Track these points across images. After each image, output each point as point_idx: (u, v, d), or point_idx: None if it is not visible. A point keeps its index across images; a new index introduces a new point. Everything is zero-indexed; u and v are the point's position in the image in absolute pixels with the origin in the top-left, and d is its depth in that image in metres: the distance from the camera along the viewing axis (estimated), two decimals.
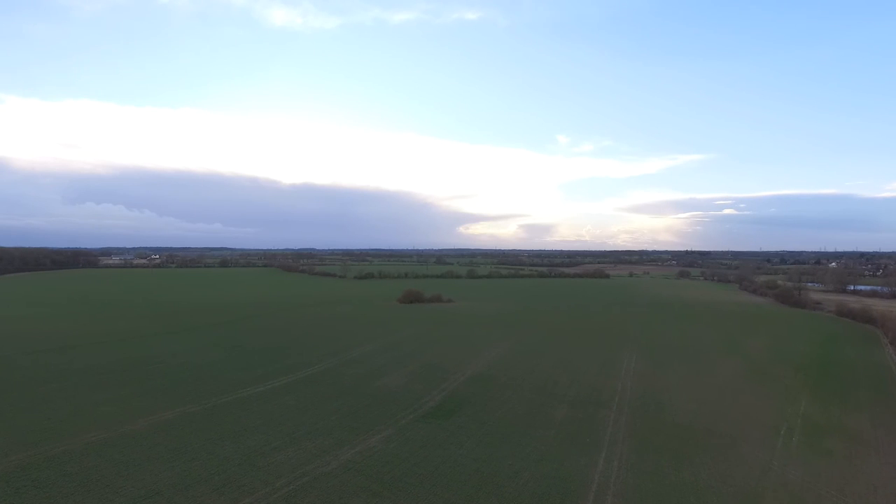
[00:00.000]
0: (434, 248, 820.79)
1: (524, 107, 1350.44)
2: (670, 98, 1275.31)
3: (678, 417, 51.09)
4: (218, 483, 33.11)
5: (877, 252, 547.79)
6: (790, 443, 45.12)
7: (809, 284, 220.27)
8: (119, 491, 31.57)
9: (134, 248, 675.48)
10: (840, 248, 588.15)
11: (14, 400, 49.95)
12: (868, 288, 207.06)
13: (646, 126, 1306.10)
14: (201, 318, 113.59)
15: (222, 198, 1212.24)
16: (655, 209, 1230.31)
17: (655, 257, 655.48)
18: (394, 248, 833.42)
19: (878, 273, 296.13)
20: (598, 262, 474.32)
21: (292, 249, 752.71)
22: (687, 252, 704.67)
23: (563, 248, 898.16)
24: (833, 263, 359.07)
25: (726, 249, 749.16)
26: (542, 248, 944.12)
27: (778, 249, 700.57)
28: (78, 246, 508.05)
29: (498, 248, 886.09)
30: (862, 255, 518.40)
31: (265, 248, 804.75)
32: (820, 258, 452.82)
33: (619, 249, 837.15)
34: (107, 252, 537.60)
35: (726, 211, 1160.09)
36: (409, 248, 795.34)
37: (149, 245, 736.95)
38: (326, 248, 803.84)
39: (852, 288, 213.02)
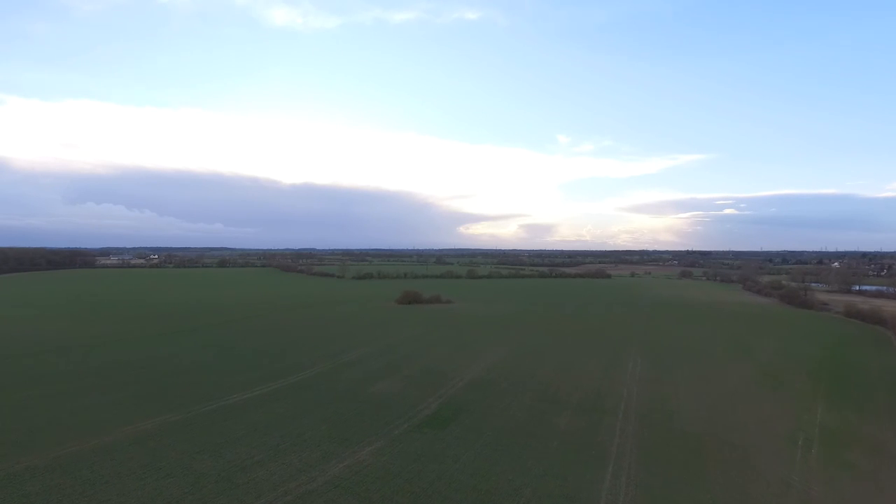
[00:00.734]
0: (434, 248, 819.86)
1: (524, 107, 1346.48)
2: (670, 98, 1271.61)
3: (687, 426, 48.33)
4: None
5: (878, 252, 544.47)
6: (809, 455, 42.36)
7: (813, 285, 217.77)
8: None
9: (134, 249, 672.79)
10: (841, 248, 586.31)
11: None
12: (873, 288, 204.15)
13: (646, 126, 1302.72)
14: (194, 319, 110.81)
15: (223, 198, 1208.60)
16: (656, 209, 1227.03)
17: (656, 257, 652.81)
18: (394, 248, 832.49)
19: (883, 273, 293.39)
20: (599, 262, 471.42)
21: (292, 249, 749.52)
22: (688, 252, 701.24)
23: (564, 248, 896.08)
24: (836, 263, 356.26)
25: (727, 249, 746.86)
26: (543, 248, 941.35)
27: (779, 249, 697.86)
28: (78, 246, 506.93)
29: (498, 248, 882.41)
30: (864, 255, 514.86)
31: (265, 248, 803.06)
32: (821, 258, 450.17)
33: (620, 249, 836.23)
34: (107, 252, 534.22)
35: (727, 211, 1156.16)
36: (410, 248, 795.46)
37: (149, 245, 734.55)
38: (327, 248, 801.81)
39: (857, 288, 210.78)
